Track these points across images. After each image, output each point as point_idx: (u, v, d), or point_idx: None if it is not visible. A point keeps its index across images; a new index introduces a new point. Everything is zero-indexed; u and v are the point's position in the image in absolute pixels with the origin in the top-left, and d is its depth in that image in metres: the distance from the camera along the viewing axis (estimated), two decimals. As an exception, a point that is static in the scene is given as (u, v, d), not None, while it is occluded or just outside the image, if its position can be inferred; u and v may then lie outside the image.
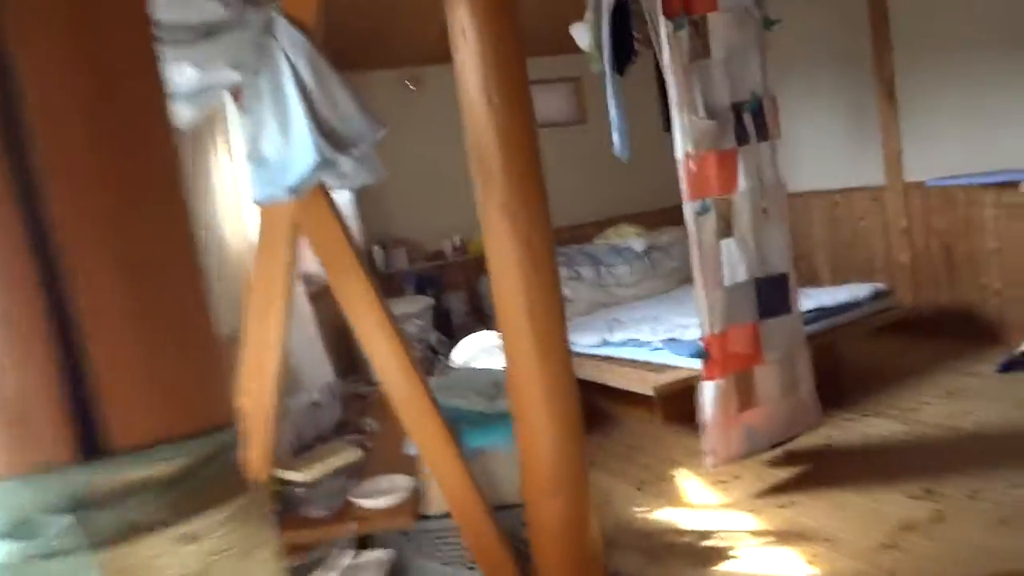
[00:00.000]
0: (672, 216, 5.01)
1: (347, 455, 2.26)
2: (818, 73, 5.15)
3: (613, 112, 3.37)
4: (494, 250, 1.98)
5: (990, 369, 3.91)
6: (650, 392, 3.44)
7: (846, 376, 4.19)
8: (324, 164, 1.84)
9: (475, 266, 5.44)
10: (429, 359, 3.53)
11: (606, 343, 4.13)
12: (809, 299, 4.13)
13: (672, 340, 3.79)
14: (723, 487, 3.04)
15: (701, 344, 2.96)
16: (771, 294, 3.04)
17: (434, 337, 3.73)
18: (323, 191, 2.00)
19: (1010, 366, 3.86)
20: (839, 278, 5.21)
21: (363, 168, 1.93)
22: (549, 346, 2.00)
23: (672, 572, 2.48)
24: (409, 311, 4.11)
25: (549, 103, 5.74)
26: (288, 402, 2.40)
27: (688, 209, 2.89)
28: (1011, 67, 4.07)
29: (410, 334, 3.75)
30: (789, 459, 3.19)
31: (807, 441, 3.32)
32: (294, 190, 1.82)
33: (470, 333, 5.13)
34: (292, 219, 1.98)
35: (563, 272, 5.18)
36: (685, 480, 3.18)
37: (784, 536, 2.59)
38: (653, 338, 3.88)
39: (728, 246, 2.96)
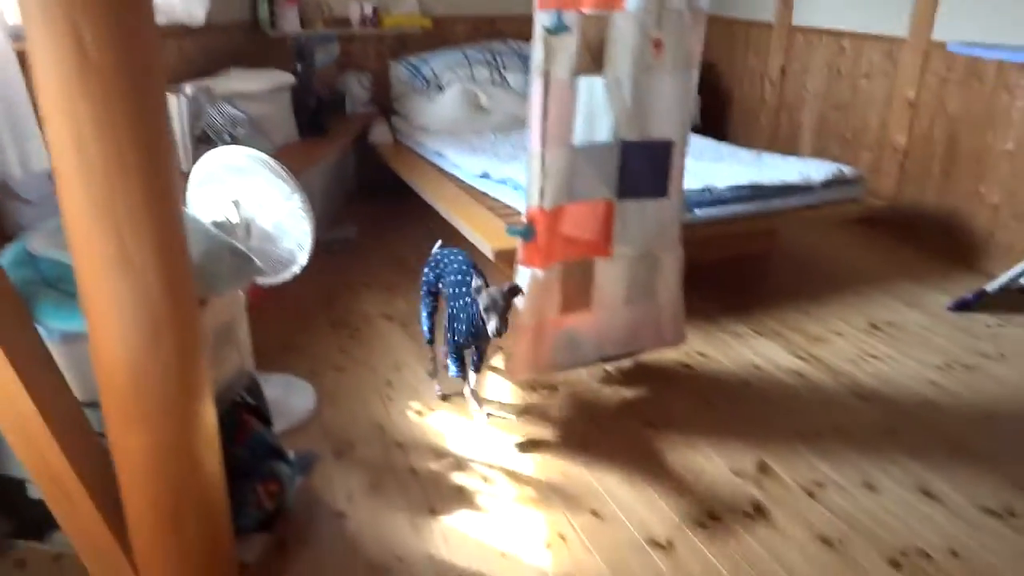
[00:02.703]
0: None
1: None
2: None
3: None
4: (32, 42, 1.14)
5: (943, 303, 3.11)
6: (489, 256, 2.69)
7: (766, 278, 3.41)
8: None
9: (391, 44, 4.48)
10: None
11: (486, 176, 3.31)
12: (749, 168, 3.25)
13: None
14: (529, 398, 2.39)
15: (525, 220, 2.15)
16: (643, 167, 2.18)
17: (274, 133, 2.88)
18: None
19: (964, 305, 3.05)
20: (821, 145, 4.25)
21: None
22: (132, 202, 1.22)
23: (386, 513, 1.88)
24: (246, 88, 3.24)
25: None
26: None
27: (537, 22, 1.95)
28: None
29: (218, 122, 2.92)
30: (626, 378, 2.51)
31: (663, 356, 2.62)
32: None
33: (367, 125, 4.29)
34: None
35: (484, 74, 4.24)
36: (495, 377, 2.52)
37: (553, 490, 1.96)
38: (533, 183, 3.04)
39: (590, 88, 2.05)
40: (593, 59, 2.03)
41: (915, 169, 3.75)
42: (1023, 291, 3.13)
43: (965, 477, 2.03)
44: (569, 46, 1.98)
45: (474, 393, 2.27)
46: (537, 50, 1.97)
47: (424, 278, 2.35)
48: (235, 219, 2.01)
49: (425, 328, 2.41)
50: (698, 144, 3.89)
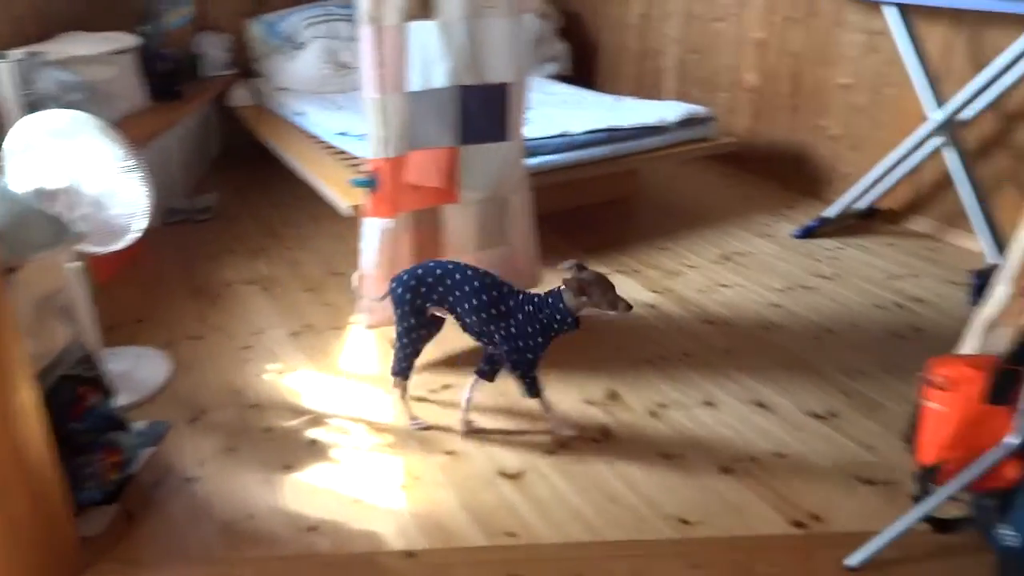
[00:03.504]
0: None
1: None
2: None
3: None
4: None
5: (789, 231, 3.30)
6: (346, 212, 2.67)
7: (627, 219, 3.51)
8: None
9: (250, 2, 4.31)
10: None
11: (344, 133, 3.26)
12: (608, 113, 3.32)
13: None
14: (383, 347, 2.40)
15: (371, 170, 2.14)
16: (482, 111, 2.20)
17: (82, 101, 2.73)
18: None
19: (808, 232, 3.25)
20: (683, 89, 4.38)
21: None
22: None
23: (238, 473, 1.87)
24: (82, 52, 3.06)
25: None
26: None
27: (358, -32, 1.93)
28: None
29: (50, 88, 2.75)
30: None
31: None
32: None
33: (227, 88, 4.14)
34: None
35: (346, 30, 4.14)
36: (357, 333, 2.52)
37: (410, 436, 2.00)
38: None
39: (422, 34, 2.05)
40: (422, 4, 2.02)
41: (765, 107, 3.92)
42: (859, 215, 3.35)
43: (796, 387, 2.19)
44: (396, -9, 1.96)
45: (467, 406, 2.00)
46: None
47: (408, 302, 1.91)
48: (56, 185, 1.92)
49: (403, 360, 2.00)
50: (561, 92, 3.94)
